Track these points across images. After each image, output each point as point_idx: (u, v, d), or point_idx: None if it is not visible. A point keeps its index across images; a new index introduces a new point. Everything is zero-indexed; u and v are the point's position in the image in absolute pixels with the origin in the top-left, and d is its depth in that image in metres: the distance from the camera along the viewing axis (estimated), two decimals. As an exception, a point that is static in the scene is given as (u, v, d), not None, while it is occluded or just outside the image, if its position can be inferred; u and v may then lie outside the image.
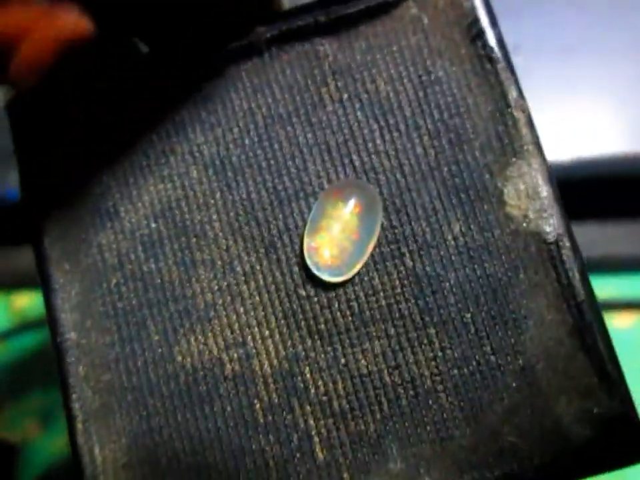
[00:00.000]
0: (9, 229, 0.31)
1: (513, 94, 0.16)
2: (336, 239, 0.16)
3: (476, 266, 0.16)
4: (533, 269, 0.15)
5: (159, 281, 0.17)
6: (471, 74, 0.16)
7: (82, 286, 0.17)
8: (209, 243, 0.17)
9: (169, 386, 0.16)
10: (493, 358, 0.15)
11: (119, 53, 0.17)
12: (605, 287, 0.31)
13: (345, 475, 0.15)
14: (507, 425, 0.15)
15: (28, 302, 0.34)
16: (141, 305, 0.17)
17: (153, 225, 0.17)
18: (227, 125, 0.17)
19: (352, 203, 0.16)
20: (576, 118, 0.31)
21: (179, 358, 0.16)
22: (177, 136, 0.17)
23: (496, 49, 0.16)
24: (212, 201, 0.17)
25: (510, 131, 0.16)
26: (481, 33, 0.16)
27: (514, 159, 0.16)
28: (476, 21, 0.16)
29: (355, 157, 0.17)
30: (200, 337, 0.16)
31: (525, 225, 0.16)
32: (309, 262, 0.16)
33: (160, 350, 0.16)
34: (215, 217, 0.17)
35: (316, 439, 0.16)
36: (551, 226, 0.15)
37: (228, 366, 0.16)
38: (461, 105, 0.16)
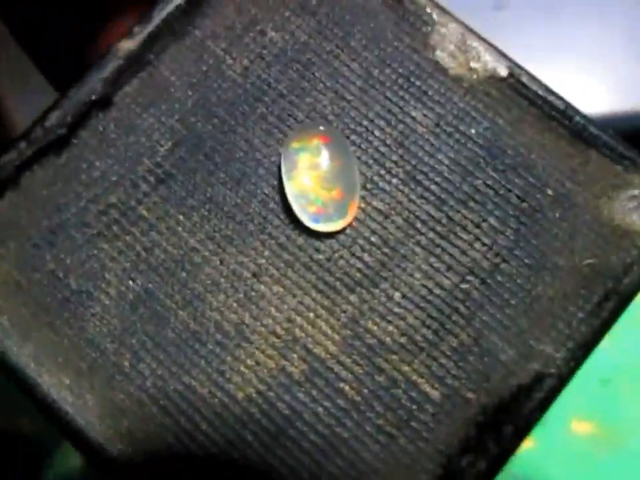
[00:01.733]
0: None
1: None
2: (321, 186, 0.14)
3: (458, 137, 0.14)
4: (506, 109, 0.14)
5: (175, 334, 0.13)
6: None
7: (105, 405, 0.13)
8: (202, 268, 0.14)
9: (251, 429, 0.13)
10: (525, 204, 0.14)
11: None
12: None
13: (469, 395, 0.13)
14: (576, 255, 0.14)
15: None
16: (175, 376, 0.13)
17: (137, 288, 0.14)
18: (150, 155, 0.14)
19: (321, 147, 0.14)
20: (562, 76, 0.29)
21: (240, 395, 0.13)
22: (107, 192, 0.14)
23: None
24: (179, 229, 0.14)
25: (409, 7, 0.15)
26: None
27: (429, 28, 0.15)
28: None
29: (293, 111, 0.15)
30: (249, 361, 0.13)
31: (475, 77, 0.14)
32: (309, 224, 0.14)
33: (216, 399, 0.13)
34: (191, 241, 0.14)
35: (420, 380, 0.13)
36: (497, 62, 0.14)
37: (294, 369, 0.13)
38: (351, 12, 0.15)
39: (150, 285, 0.14)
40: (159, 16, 0.15)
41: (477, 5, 0.26)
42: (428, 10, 0.15)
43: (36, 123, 0.15)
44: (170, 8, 0.15)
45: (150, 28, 0.15)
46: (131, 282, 0.14)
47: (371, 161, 0.15)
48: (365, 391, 0.14)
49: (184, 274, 0.14)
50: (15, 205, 0.15)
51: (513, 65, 0.15)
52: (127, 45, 0.15)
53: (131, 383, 0.14)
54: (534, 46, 0.28)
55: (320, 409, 0.13)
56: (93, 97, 0.15)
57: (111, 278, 0.14)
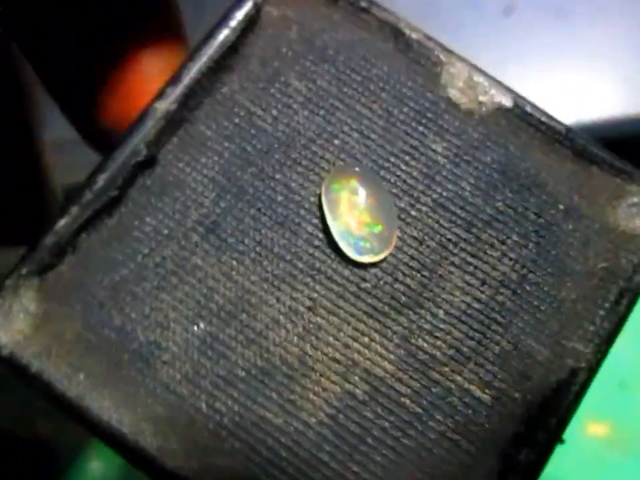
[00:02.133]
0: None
1: (400, 23, 0.16)
2: (364, 222, 0.15)
3: (475, 164, 0.16)
4: (514, 136, 0.16)
5: (245, 372, 0.15)
6: (347, 24, 0.16)
7: (189, 445, 0.14)
8: (260, 308, 0.15)
9: (327, 450, 0.14)
10: (541, 220, 0.16)
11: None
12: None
13: (516, 395, 0.15)
14: (590, 260, 0.15)
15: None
16: (250, 410, 0.14)
17: (201, 333, 0.15)
18: (197, 206, 0.15)
19: (358, 187, 0.15)
20: (571, 81, 0.28)
21: (312, 420, 0.14)
22: (161, 246, 0.15)
23: None
24: (233, 273, 0.15)
25: (418, 51, 0.16)
26: None
27: (438, 69, 0.16)
28: None
29: (324, 154, 0.16)
30: (316, 388, 0.15)
31: (484, 109, 0.16)
32: (355, 257, 0.15)
33: (291, 427, 0.14)
34: (246, 283, 0.15)
35: (472, 387, 0.15)
36: (503, 95, 0.16)
37: (357, 391, 0.15)
38: (366, 59, 0.16)
39: (213, 329, 0.15)
40: (189, 75, 0.16)
41: (486, 10, 0.26)
42: (436, 53, 0.17)
43: (84, 187, 0.16)
44: (198, 67, 0.16)
45: (182, 88, 0.16)
46: (195, 328, 0.15)
47: (400, 193, 0.16)
48: (424, 402, 0.15)
49: (244, 315, 0.15)
50: (75, 267, 0.15)
51: (517, 97, 0.16)
52: (163, 106, 0.16)
53: (210, 422, 0.15)
54: (544, 50, 0.27)
55: (386, 424, 0.15)
56: (138, 158, 0.16)
57: (175, 326, 0.15)
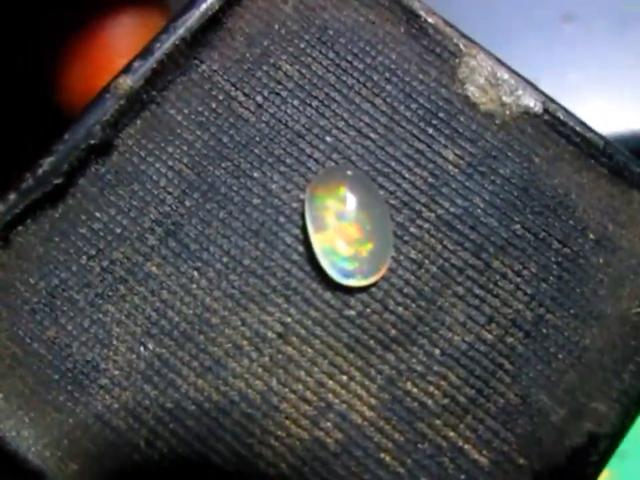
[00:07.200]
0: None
1: (415, 4, 0.12)
2: (353, 240, 0.11)
3: (492, 177, 0.12)
4: (542, 147, 0.12)
5: (196, 406, 0.11)
6: (352, 1, 0.12)
7: None
8: (221, 330, 0.11)
9: None
10: (566, 249, 0.12)
11: None
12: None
13: (521, 461, 0.11)
14: (623, 303, 0.11)
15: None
16: (198, 453, 0.11)
17: (148, 355, 0.11)
18: (157, 204, 0.12)
19: (348, 196, 0.11)
20: (634, 90, 0.24)
21: (272, 471, 0.11)
22: (111, 247, 0.11)
23: None
24: (193, 287, 0.12)
25: (434, 37, 0.12)
26: None
27: (456, 60, 0.12)
28: None
29: (313, 152, 0.12)
30: (279, 432, 0.11)
31: (508, 112, 0.12)
32: (340, 280, 0.11)
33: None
34: (207, 300, 0.12)
35: (467, 446, 0.11)
36: (531, 98, 0.12)
37: (329, 440, 0.11)
38: (372, 44, 0.12)
39: (163, 351, 0.12)
40: (162, 49, 0.12)
41: (544, 16, 0.22)
42: (455, 40, 0.13)
43: (27, 171, 0.12)
44: (174, 39, 0.12)
45: (152, 62, 0.12)
46: (142, 348, 0.11)
47: (399, 205, 0.12)
48: (408, 461, 0.11)
49: (201, 337, 0.12)
50: (6, 265, 0.12)
51: (548, 100, 0.12)
52: (127, 82, 0.12)
53: (149, 464, 0.11)
54: (605, 60, 0.24)
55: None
56: (92, 142, 0.12)
57: (119, 345, 0.11)
